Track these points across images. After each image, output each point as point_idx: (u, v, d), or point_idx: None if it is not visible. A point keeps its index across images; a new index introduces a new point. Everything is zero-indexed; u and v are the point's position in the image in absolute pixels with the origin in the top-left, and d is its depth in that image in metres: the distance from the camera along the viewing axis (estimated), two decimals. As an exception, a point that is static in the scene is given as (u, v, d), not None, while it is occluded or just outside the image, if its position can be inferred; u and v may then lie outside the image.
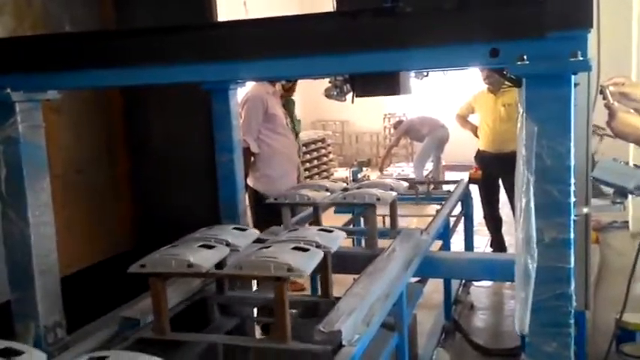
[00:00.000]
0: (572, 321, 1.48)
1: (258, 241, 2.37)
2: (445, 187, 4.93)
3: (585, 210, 2.70)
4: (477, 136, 5.70)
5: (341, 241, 2.33)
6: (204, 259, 2.01)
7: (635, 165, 2.65)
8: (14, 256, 1.92)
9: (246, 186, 3.88)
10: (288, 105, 4.59)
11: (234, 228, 2.42)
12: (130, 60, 1.79)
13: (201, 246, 2.11)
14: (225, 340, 2.02)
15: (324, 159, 9.54)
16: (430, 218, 3.36)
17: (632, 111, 2.50)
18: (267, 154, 4.23)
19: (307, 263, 1.93)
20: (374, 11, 1.49)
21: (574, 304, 1.48)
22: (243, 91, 4.30)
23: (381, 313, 2.03)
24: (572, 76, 1.41)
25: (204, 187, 3.48)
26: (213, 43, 1.72)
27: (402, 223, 3.45)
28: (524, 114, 1.44)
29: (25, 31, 3.27)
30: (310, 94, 7.71)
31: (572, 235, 1.45)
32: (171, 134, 3.84)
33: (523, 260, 1.45)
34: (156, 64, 1.76)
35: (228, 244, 2.21)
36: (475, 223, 4.85)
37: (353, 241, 3.97)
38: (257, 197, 4.14)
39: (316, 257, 2.01)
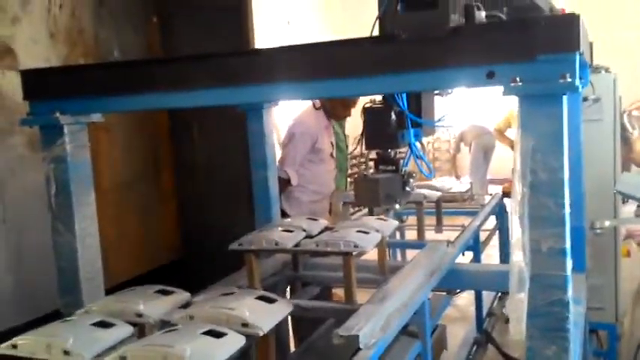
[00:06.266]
0: (569, 326, 1.57)
1: (327, 229, 2.68)
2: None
3: (607, 223, 2.75)
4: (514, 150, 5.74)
5: (394, 228, 2.74)
6: (287, 239, 2.44)
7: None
8: (62, 264, 2.11)
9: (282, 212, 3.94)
10: (337, 127, 4.58)
11: (308, 217, 2.79)
12: (169, 85, 1.96)
13: (283, 230, 2.51)
14: (310, 305, 2.40)
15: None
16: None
17: None
18: (303, 179, 4.22)
19: (369, 242, 2.37)
20: (378, 39, 1.63)
21: (572, 310, 1.57)
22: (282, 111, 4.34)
23: (400, 320, 2.14)
24: (564, 96, 1.51)
25: (241, 202, 3.67)
26: (248, 67, 1.88)
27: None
28: (520, 131, 1.55)
29: (78, 57, 3.54)
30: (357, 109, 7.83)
31: (567, 245, 1.54)
32: (212, 153, 4.06)
33: (518, 269, 1.55)
34: (186, 89, 1.93)
35: (303, 230, 2.56)
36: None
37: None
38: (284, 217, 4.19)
39: (376, 237, 2.43)
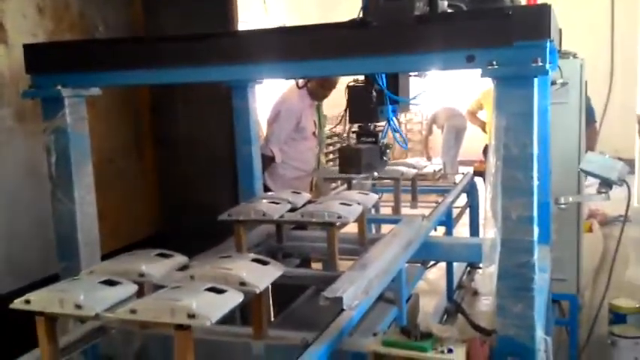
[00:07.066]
0: (534, 286, 1.74)
1: (310, 202, 2.87)
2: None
3: (570, 199, 2.94)
4: (485, 131, 5.95)
5: (375, 201, 2.95)
6: (274, 210, 2.62)
7: (619, 158, 2.90)
8: (62, 230, 2.22)
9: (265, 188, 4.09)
10: (317, 109, 4.72)
11: (292, 191, 2.95)
12: (162, 62, 2.08)
13: (269, 202, 2.70)
14: (294, 272, 2.59)
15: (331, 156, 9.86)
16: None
17: None
18: (286, 156, 4.40)
19: (351, 213, 2.57)
20: (355, 24, 1.79)
21: (537, 272, 1.74)
22: (265, 90, 4.48)
23: (379, 285, 2.31)
24: (535, 79, 1.67)
25: (225, 177, 3.77)
26: (233, 47, 2.02)
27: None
28: (495, 110, 1.71)
29: (63, 32, 3.59)
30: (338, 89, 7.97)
31: (534, 213, 1.72)
32: (194, 128, 4.14)
33: (490, 234, 1.72)
34: (183, 66, 2.05)
35: (289, 202, 2.74)
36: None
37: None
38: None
39: (358, 209, 2.64)
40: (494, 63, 1.66)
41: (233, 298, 1.62)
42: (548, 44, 1.64)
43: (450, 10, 2.00)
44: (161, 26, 4.03)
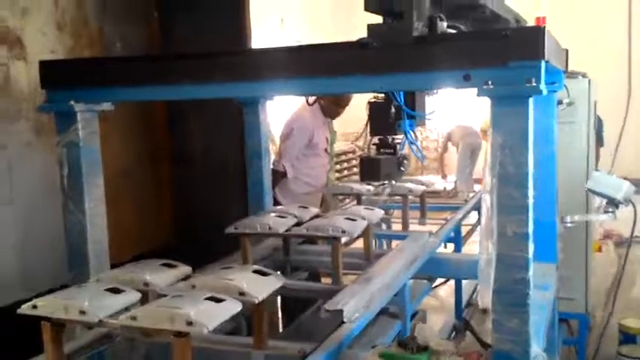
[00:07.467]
0: (529, 301, 1.77)
1: (317, 216, 2.93)
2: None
3: (576, 218, 2.96)
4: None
5: (380, 217, 2.99)
6: (280, 224, 2.69)
7: (624, 178, 2.92)
8: (72, 241, 2.28)
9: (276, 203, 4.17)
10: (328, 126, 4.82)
11: (300, 206, 3.02)
12: (169, 79, 2.14)
13: (276, 216, 2.77)
14: (299, 285, 2.66)
15: (354, 169, 9.95)
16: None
17: None
18: (298, 172, 4.46)
19: (355, 228, 2.64)
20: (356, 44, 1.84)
21: (532, 287, 1.77)
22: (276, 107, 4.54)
23: (382, 299, 2.34)
24: (530, 98, 1.71)
25: (235, 191, 3.84)
26: (244, 65, 2.08)
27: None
28: (491, 128, 1.74)
29: (82, 49, 3.70)
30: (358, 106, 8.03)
31: (530, 230, 1.75)
32: (208, 143, 4.23)
33: (486, 249, 1.75)
34: (192, 83, 2.12)
35: (295, 216, 2.80)
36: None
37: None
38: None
39: (362, 224, 2.70)
40: (490, 83, 1.69)
41: (231, 308, 1.67)
42: (542, 65, 1.68)
43: (451, 31, 2.05)
44: (178, 43, 4.13)
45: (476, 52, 1.72)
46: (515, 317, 1.78)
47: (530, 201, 1.74)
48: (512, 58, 1.67)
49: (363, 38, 1.84)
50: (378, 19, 1.92)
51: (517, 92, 1.68)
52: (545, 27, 1.68)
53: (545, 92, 1.69)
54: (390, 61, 1.80)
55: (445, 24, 1.92)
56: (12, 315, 1.81)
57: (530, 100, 1.71)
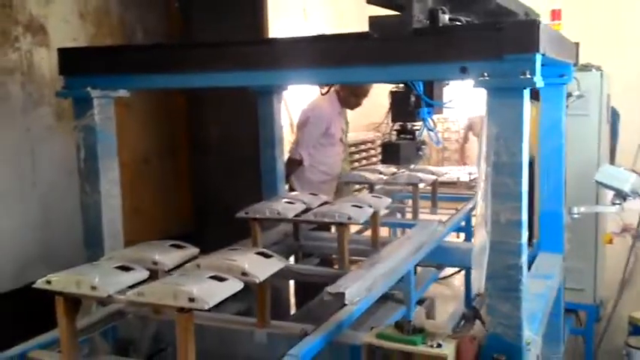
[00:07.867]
0: (522, 287, 1.83)
1: (325, 203, 3.00)
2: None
3: (582, 209, 2.99)
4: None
5: (387, 205, 3.09)
6: (289, 209, 2.77)
7: (632, 170, 2.94)
8: (88, 221, 2.39)
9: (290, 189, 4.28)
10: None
11: (310, 193, 3.12)
12: (188, 67, 2.23)
13: (285, 202, 2.84)
14: (306, 270, 2.76)
15: (374, 159, 10.00)
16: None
17: None
18: (314, 160, 4.51)
19: (362, 215, 2.70)
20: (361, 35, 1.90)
21: (525, 272, 1.83)
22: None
23: (384, 284, 2.41)
24: (525, 90, 1.76)
25: (250, 178, 3.92)
26: (261, 55, 2.14)
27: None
28: (487, 119, 1.80)
29: (105, 37, 3.80)
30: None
31: (523, 217, 1.80)
32: (224, 131, 4.32)
33: (481, 236, 1.81)
34: (206, 71, 2.20)
35: (304, 203, 2.87)
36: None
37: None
38: None
39: (368, 211, 2.77)
40: (486, 75, 1.75)
41: (233, 286, 1.75)
42: (537, 57, 1.72)
43: (457, 23, 2.10)
44: (197, 33, 4.21)
45: (472, 45, 1.77)
46: (508, 302, 1.84)
47: (524, 189, 1.80)
48: (507, 50, 1.72)
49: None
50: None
51: (512, 84, 1.73)
52: (539, 21, 1.72)
53: (540, 84, 1.74)
54: (390, 52, 1.86)
55: (447, 16, 1.97)
56: (36, 292, 1.92)
57: (526, 91, 1.76)
